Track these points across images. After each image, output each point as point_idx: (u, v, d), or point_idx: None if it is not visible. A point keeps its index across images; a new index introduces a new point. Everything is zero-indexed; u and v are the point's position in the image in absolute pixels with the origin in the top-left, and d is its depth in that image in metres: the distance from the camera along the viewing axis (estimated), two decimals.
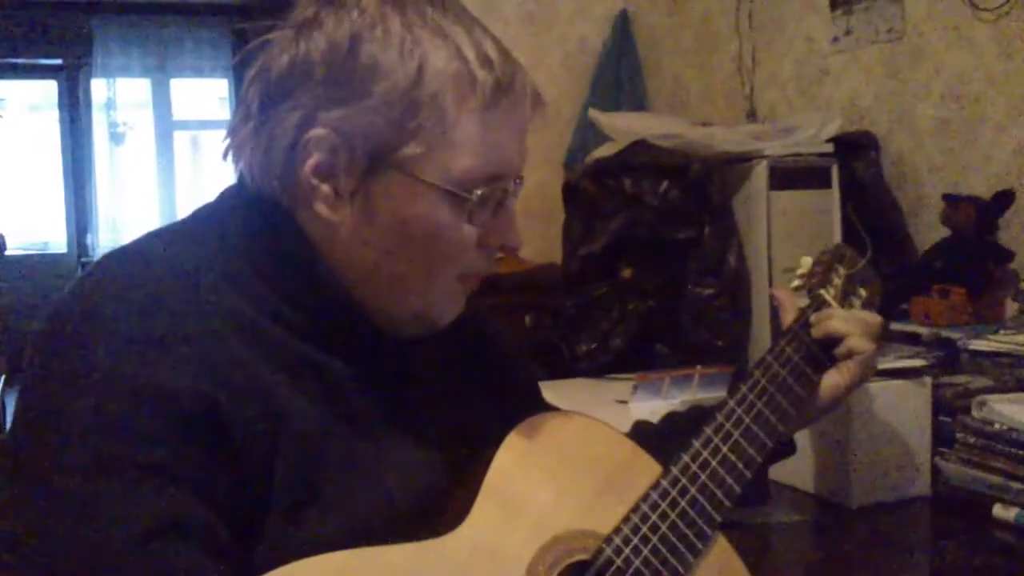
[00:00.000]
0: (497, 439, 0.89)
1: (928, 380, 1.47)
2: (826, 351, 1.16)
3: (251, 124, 0.83)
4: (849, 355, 1.15)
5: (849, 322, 1.17)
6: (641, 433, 1.15)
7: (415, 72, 0.80)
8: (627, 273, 2.14)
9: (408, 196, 0.82)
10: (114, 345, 0.74)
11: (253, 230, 0.84)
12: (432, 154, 0.82)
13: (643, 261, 2.12)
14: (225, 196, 0.89)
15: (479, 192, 0.83)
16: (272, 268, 0.84)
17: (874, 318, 1.21)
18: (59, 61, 6.40)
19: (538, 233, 2.64)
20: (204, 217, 0.88)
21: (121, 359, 0.74)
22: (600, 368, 2.07)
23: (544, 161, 2.99)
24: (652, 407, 1.54)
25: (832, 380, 1.15)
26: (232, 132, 0.86)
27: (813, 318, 1.18)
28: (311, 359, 0.82)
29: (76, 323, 0.77)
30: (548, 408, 1.06)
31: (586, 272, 2.21)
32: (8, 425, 0.80)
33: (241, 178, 0.87)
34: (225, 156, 0.87)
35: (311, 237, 0.84)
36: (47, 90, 6.52)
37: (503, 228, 0.88)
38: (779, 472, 1.35)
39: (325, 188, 0.82)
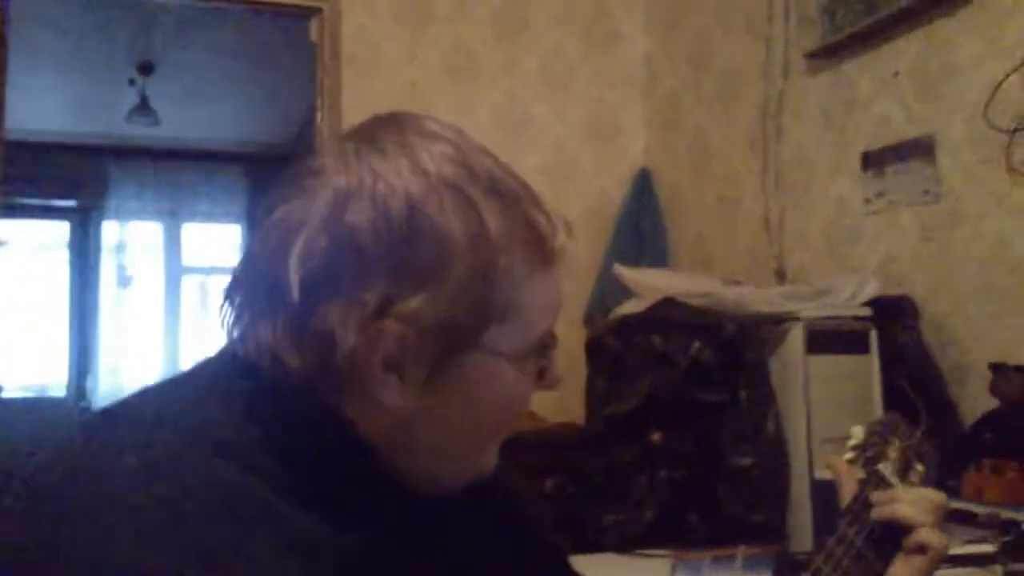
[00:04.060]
0: None
1: (999, 569, 1.34)
2: (891, 536, 1.05)
3: (281, 304, 0.72)
4: (920, 549, 1.03)
5: (918, 508, 1.05)
6: None
7: (484, 244, 0.72)
8: (656, 437, 2.02)
9: (488, 373, 0.75)
10: (92, 539, 0.63)
11: (276, 411, 0.74)
12: (509, 326, 0.75)
13: (674, 424, 2.01)
14: (227, 361, 0.78)
15: (551, 352, 0.78)
16: (296, 447, 0.73)
17: (941, 498, 1.09)
18: (73, 203, 6.44)
19: (556, 391, 2.54)
20: (207, 380, 0.78)
21: (101, 557, 0.63)
22: (628, 542, 1.93)
23: (563, 316, 2.89)
24: None
25: (901, 574, 1.03)
26: (245, 295, 0.76)
27: (874, 497, 1.07)
28: (323, 534, 0.71)
29: (50, 502, 0.66)
30: (573, 571, 0.99)
31: (611, 434, 2.10)
32: None
33: (239, 342, 0.76)
34: (223, 319, 0.77)
35: (353, 421, 0.74)
36: (59, 230, 6.54)
37: (552, 370, 0.82)
38: None
39: (391, 378, 0.73)
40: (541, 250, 0.75)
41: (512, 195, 0.75)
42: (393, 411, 0.73)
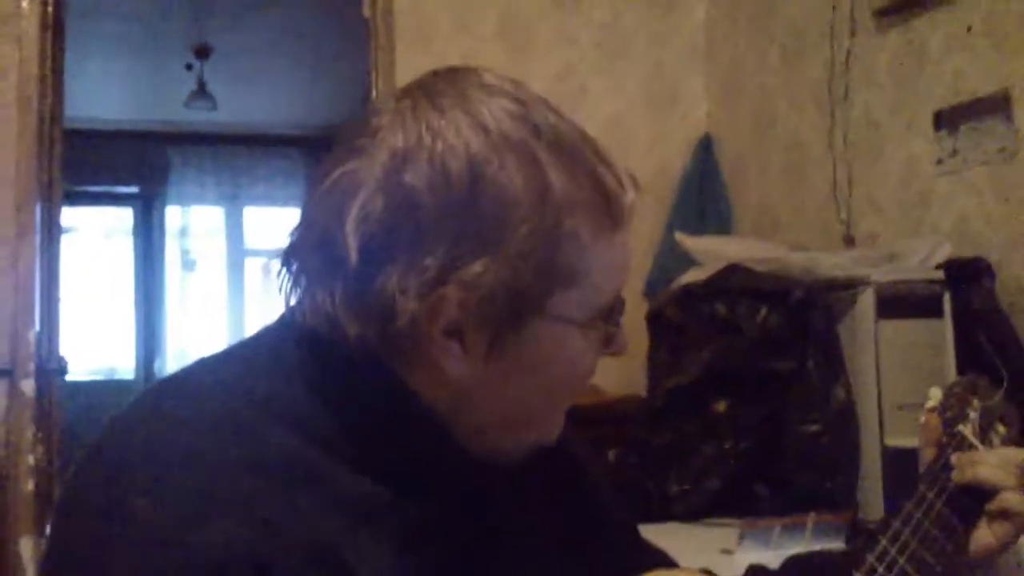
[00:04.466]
0: None
1: None
2: (973, 499, 1.00)
3: (340, 270, 0.70)
4: (1004, 513, 0.98)
5: (1002, 470, 1.00)
6: None
7: (549, 205, 0.69)
8: (721, 407, 1.98)
9: (553, 340, 0.73)
10: (152, 505, 0.63)
11: (336, 380, 0.72)
12: (575, 291, 0.72)
13: (739, 394, 1.97)
14: (286, 329, 0.76)
15: (618, 318, 0.75)
16: (357, 417, 0.72)
17: None
18: (136, 189, 6.55)
19: (618, 363, 2.49)
20: (265, 349, 0.76)
21: (157, 522, 0.62)
22: (694, 512, 1.90)
23: (624, 288, 2.87)
24: (762, 560, 1.39)
25: (984, 539, 0.98)
26: (302, 261, 0.73)
27: (954, 459, 1.02)
28: (385, 502, 0.70)
29: (113, 470, 0.66)
30: (647, 546, 0.97)
31: (674, 405, 2.07)
32: None
33: (297, 309, 0.74)
34: (281, 285, 0.75)
35: (415, 390, 0.72)
36: (122, 217, 6.65)
37: (619, 336, 0.79)
38: None
39: (453, 346, 0.71)
40: (609, 210, 0.72)
41: (577, 151, 0.72)
42: (455, 379, 0.71)
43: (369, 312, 0.69)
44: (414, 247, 0.67)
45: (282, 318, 0.77)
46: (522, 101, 0.72)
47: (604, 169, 0.72)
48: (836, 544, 1.46)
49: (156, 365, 6.42)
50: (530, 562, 0.79)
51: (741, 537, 1.47)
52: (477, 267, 0.67)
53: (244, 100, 5.86)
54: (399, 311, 0.67)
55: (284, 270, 0.75)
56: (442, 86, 0.72)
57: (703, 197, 2.98)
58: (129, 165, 6.39)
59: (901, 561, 0.91)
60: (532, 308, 0.70)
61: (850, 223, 2.53)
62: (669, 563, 0.96)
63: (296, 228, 0.75)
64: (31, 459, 2.50)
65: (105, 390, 6.15)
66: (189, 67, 5.45)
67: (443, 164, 0.68)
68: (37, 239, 2.62)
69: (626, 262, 0.77)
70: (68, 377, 2.90)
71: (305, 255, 0.73)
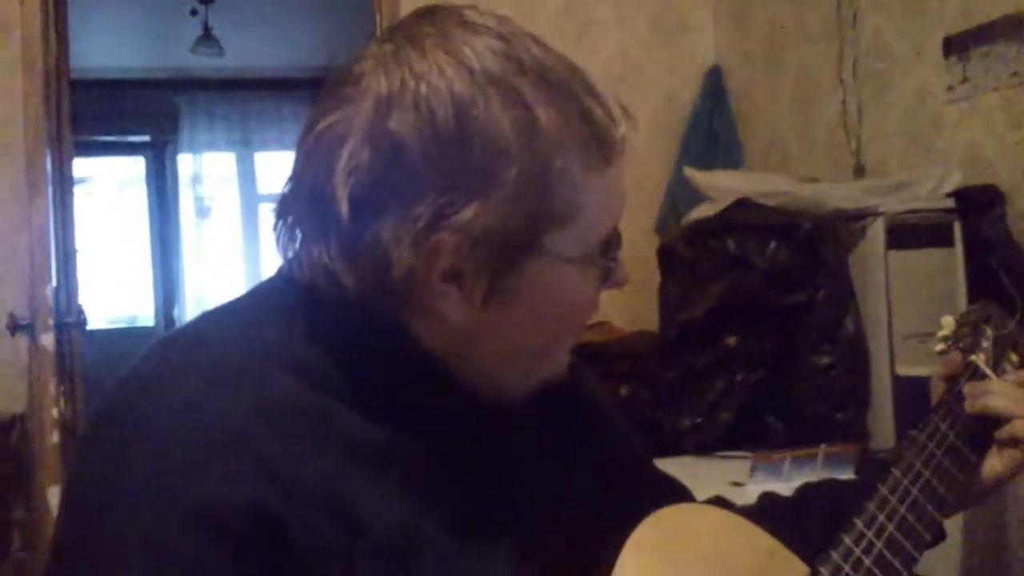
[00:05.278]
0: (616, 532, 0.76)
1: None
2: (985, 428, 1.01)
3: (332, 223, 0.69)
4: (1014, 442, 0.99)
5: (1012, 399, 1.00)
6: (771, 509, 1.01)
7: (538, 144, 0.68)
8: (732, 341, 1.99)
9: (551, 279, 0.72)
10: (154, 453, 0.64)
11: (337, 330, 0.72)
12: (570, 229, 0.71)
13: (749, 328, 1.98)
14: (284, 282, 0.76)
15: (615, 252, 0.74)
16: (360, 364, 0.72)
17: None
18: (147, 138, 6.53)
19: (630, 299, 2.50)
20: (265, 301, 0.77)
21: (163, 473, 0.63)
22: (706, 445, 1.92)
23: (634, 224, 2.87)
24: (773, 490, 1.41)
25: (993, 468, 0.98)
26: (296, 215, 0.73)
27: (967, 389, 1.03)
28: (392, 444, 0.71)
29: (117, 424, 0.67)
30: (661, 475, 0.97)
31: (686, 340, 2.08)
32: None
33: (294, 262, 0.74)
34: (277, 239, 0.75)
35: (417, 336, 0.73)
36: (135, 166, 6.66)
37: (618, 270, 0.77)
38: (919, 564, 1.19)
39: (452, 291, 0.70)
40: (600, 145, 0.71)
41: (565, 85, 0.70)
42: (456, 323, 0.71)
43: (365, 263, 0.69)
44: (405, 196, 0.67)
45: (280, 271, 0.77)
46: (506, 37, 0.70)
47: (593, 102, 0.71)
48: (846, 474, 1.47)
49: (175, 311, 6.47)
50: (543, 500, 0.79)
51: (753, 469, 1.49)
52: (469, 212, 0.67)
53: (250, 44, 5.81)
54: (394, 261, 0.67)
55: (279, 224, 0.74)
56: (424, 27, 0.71)
57: (713, 130, 2.96)
58: (139, 114, 6.36)
59: (914, 491, 0.92)
60: (527, 248, 0.70)
61: (860, 153, 2.51)
62: (685, 495, 0.96)
63: (287, 181, 0.74)
64: (55, 412, 2.54)
65: (127, 338, 6.21)
66: (194, 12, 5.41)
67: (428, 107, 0.67)
68: (50, 192, 2.63)
69: (621, 196, 0.75)
70: (89, 327, 2.92)
71: (298, 209, 0.73)
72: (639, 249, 2.60)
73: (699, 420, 1.95)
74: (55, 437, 2.54)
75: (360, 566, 0.65)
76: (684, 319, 2.07)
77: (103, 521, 0.63)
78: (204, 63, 5.78)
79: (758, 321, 1.96)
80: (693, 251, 2.11)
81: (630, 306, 2.52)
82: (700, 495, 0.98)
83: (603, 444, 0.91)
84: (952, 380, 1.05)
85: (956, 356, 1.08)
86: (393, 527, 0.68)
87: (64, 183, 2.77)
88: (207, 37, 5.49)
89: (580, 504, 0.82)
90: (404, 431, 0.71)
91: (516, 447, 0.80)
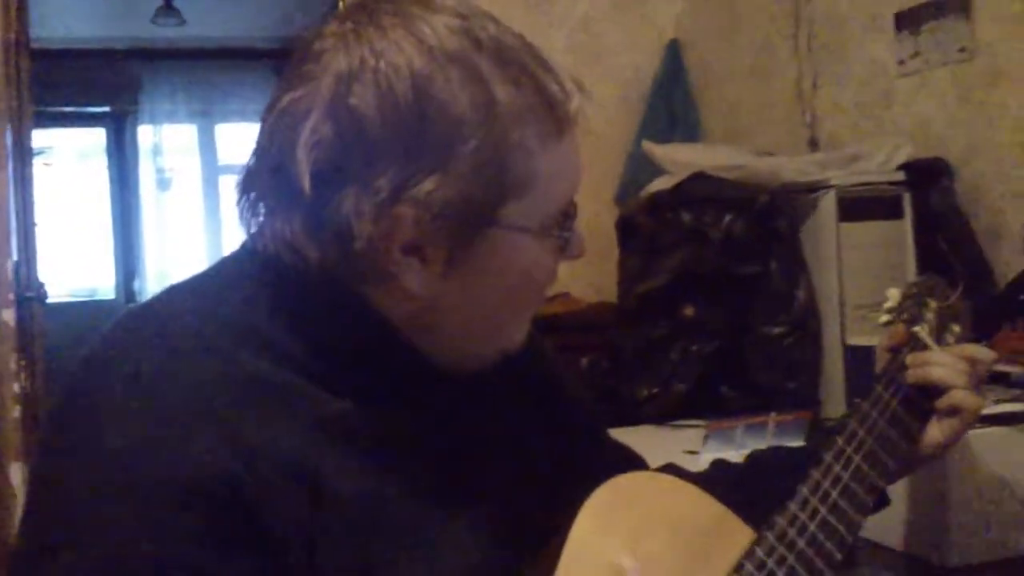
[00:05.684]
0: (571, 499, 0.79)
1: None
2: (926, 397, 1.05)
3: (295, 198, 0.71)
4: (952, 411, 1.03)
5: (953, 370, 1.03)
6: (720, 476, 1.04)
7: (495, 118, 0.70)
8: (688, 311, 2.03)
9: (510, 250, 0.74)
10: (123, 427, 0.65)
11: (300, 302, 0.74)
12: (527, 200, 0.73)
13: (705, 298, 2.01)
14: (247, 256, 0.78)
15: (572, 223, 0.76)
16: (323, 336, 0.74)
17: (985, 355, 1.08)
18: (107, 108, 6.45)
19: (590, 271, 2.54)
20: (229, 275, 0.78)
21: (130, 445, 0.65)
22: (663, 414, 1.96)
23: (595, 196, 2.89)
24: (725, 458, 1.45)
25: (933, 436, 1.02)
26: (259, 189, 0.75)
27: (909, 359, 1.06)
28: (354, 416, 0.73)
29: (84, 399, 0.68)
30: (615, 444, 1.00)
31: (644, 311, 2.11)
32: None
33: (257, 236, 0.76)
34: (241, 213, 0.77)
35: (379, 306, 0.75)
36: (96, 137, 6.58)
37: (575, 240, 0.80)
38: (864, 528, 1.24)
39: (412, 262, 0.73)
40: (555, 117, 0.73)
41: (520, 62, 0.73)
42: (418, 295, 0.73)
43: (327, 237, 0.71)
44: (365, 169, 0.69)
45: (244, 244, 0.79)
46: (463, 15, 0.72)
47: (547, 76, 0.73)
48: (797, 441, 1.51)
49: (136, 284, 6.42)
50: (503, 468, 0.82)
51: (706, 438, 1.52)
52: (428, 184, 0.69)
53: (212, 14, 5.74)
54: (356, 234, 0.69)
55: (243, 198, 0.76)
56: (383, 5, 0.73)
57: (672, 103, 2.98)
58: (99, 84, 6.27)
59: (857, 459, 0.94)
60: (486, 220, 0.72)
61: (815, 125, 2.55)
62: (638, 463, 0.99)
63: (251, 156, 0.76)
64: (16, 387, 2.53)
65: (87, 311, 6.15)
66: None
67: (388, 84, 0.69)
68: (10, 167, 2.60)
69: (576, 167, 0.77)
70: (49, 300, 2.90)
71: (261, 183, 0.75)
72: (600, 221, 2.62)
73: (656, 390, 1.98)
74: (16, 412, 2.53)
75: (325, 538, 0.67)
76: (643, 290, 2.10)
77: (74, 495, 0.65)
78: (165, 33, 5.71)
79: (714, 292, 2.00)
80: (651, 223, 2.14)
81: (590, 278, 2.55)
82: (655, 463, 1.00)
83: (559, 414, 0.93)
84: (896, 351, 1.08)
85: (900, 327, 1.11)
86: (357, 499, 0.70)
87: (24, 156, 2.74)
88: (168, 7, 5.43)
89: (538, 472, 0.85)
90: (367, 403, 0.73)
91: (477, 417, 0.82)
